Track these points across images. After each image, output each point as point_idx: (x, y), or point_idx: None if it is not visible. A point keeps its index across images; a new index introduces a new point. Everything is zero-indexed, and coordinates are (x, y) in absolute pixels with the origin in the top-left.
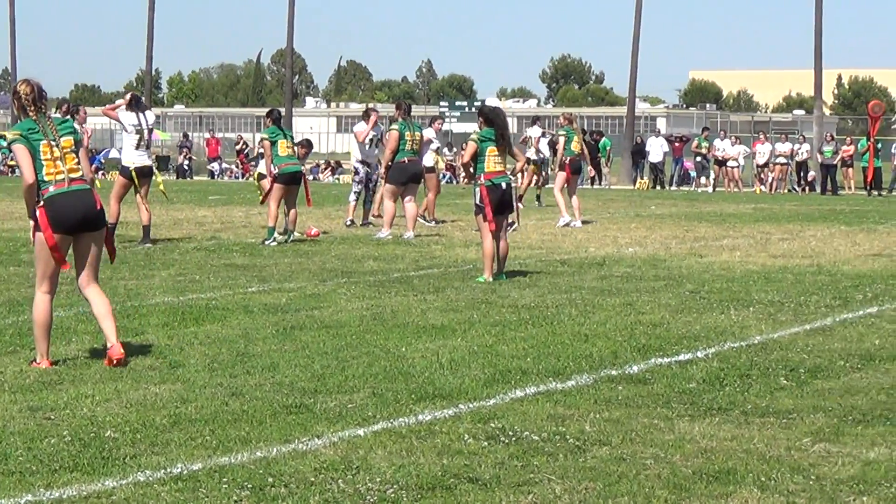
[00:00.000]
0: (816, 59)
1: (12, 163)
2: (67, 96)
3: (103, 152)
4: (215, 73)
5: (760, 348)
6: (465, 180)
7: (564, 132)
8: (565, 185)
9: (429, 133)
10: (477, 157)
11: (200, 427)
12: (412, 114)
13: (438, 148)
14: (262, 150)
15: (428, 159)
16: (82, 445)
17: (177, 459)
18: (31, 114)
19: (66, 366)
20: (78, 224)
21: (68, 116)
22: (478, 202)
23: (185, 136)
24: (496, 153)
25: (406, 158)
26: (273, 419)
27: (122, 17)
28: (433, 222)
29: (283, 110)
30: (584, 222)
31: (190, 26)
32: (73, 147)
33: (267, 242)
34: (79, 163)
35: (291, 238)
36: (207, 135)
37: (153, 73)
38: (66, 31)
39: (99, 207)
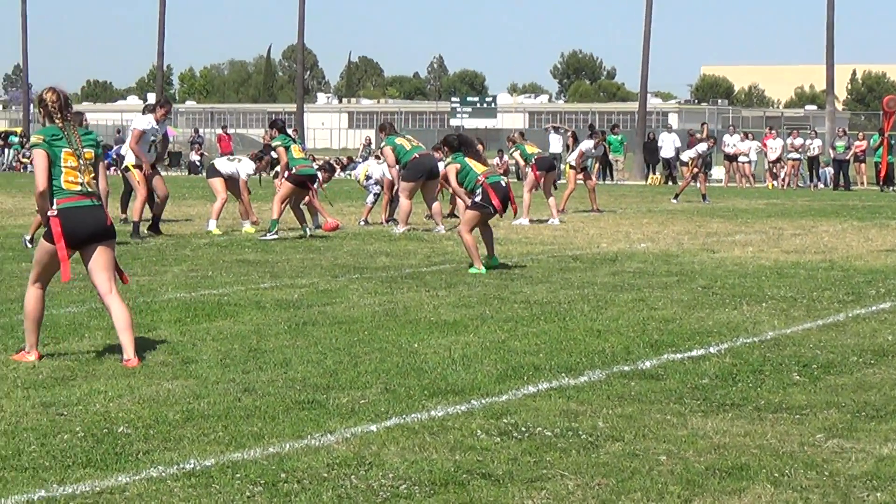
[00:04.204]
0: (828, 54)
1: (25, 160)
2: (79, 92)
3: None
4: (226, 69)
5: (773, 344)
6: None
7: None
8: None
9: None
10: (460, 173)
11: (213, 423)
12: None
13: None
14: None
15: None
16: (95, 441)
17: (189, 455)
18: (57, 121)
19: (78, 361)
20: (86, 239)
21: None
22: (479, 200)
23: (197, 131)
24: (473, 160)
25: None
26: (285, 415)
27: (134, 13)
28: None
29: (284, 119)
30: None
31: (201, 22)
32: (94, 160)
33: (268, 236)
34: (96, 177)
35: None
36: (219, 131)
37: (164, 69)
38: (77, 28)
39: (109, 224)
